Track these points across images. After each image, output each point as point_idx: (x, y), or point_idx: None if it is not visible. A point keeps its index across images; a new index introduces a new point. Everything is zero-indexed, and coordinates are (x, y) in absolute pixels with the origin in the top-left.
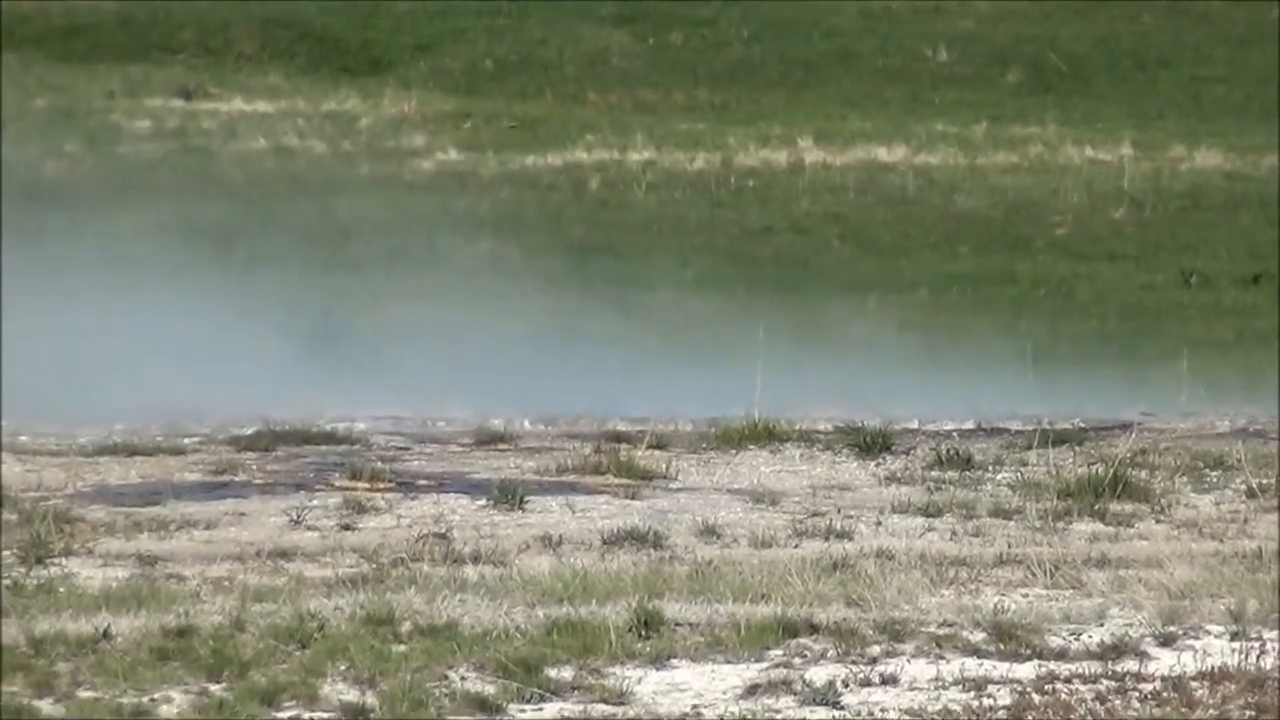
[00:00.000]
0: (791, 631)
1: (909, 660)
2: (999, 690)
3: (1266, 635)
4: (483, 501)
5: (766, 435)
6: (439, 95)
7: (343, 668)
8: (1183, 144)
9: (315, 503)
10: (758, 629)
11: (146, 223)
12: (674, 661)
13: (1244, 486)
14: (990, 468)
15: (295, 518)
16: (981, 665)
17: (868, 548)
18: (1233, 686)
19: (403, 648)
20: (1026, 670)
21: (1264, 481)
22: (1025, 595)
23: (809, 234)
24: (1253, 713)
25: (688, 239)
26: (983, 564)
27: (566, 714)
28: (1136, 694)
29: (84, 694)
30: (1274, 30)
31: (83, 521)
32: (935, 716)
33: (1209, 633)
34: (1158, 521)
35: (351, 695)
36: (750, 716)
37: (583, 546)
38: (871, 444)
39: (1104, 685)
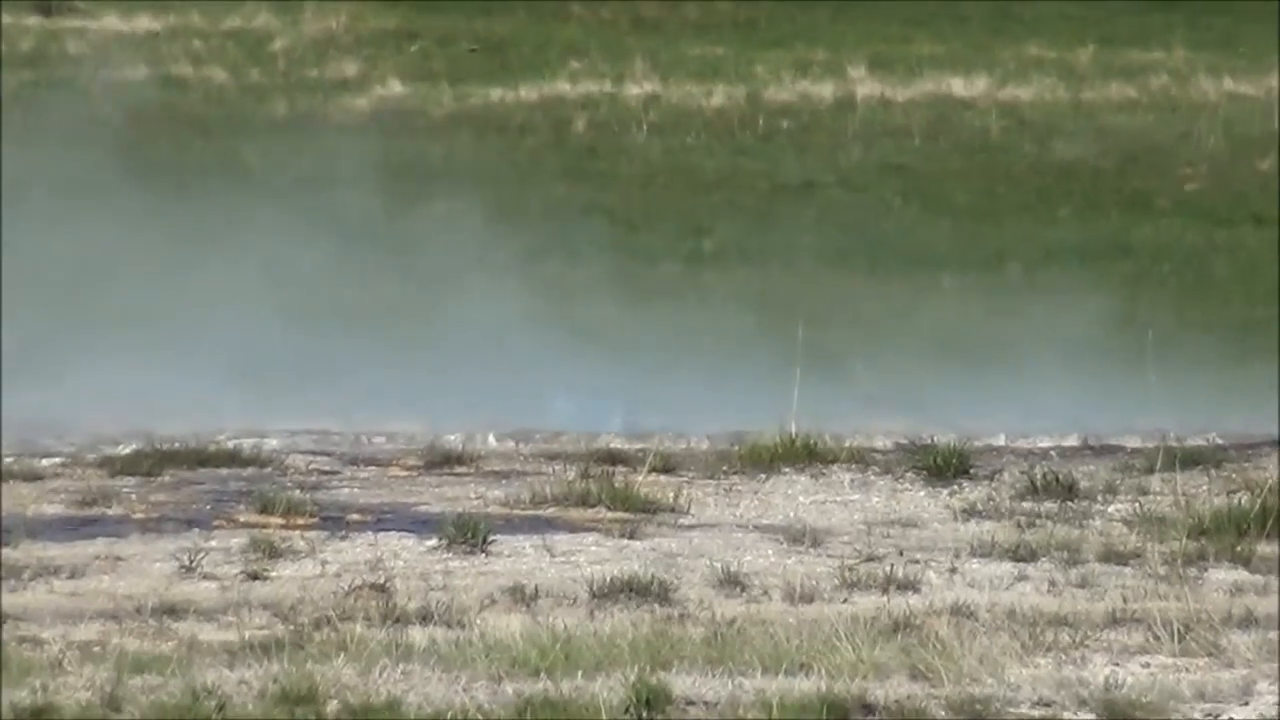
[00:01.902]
0: (839, 712)
1: None
2: None
3: None
4: (433, 542)
5: (806, 455)
6: (376, 9)
7: None
8: None
9: (213, 543)
10: (795, 709)
11: None
12: None
13: None
14: (1100, 498)
15: (187, 563)
16: None
17: (939, 602)
18: None
19: None
20: None
21: None
22: (1146, 665)
23: (862, 191)
24: None
25: (703, 198)
26: (1090, 624)
27: None
28: None
29: None
30: None
31: None
32: None
33: None
34: None
35: None
36: None
37: (565, 601)
38: (944, 466)
39: None
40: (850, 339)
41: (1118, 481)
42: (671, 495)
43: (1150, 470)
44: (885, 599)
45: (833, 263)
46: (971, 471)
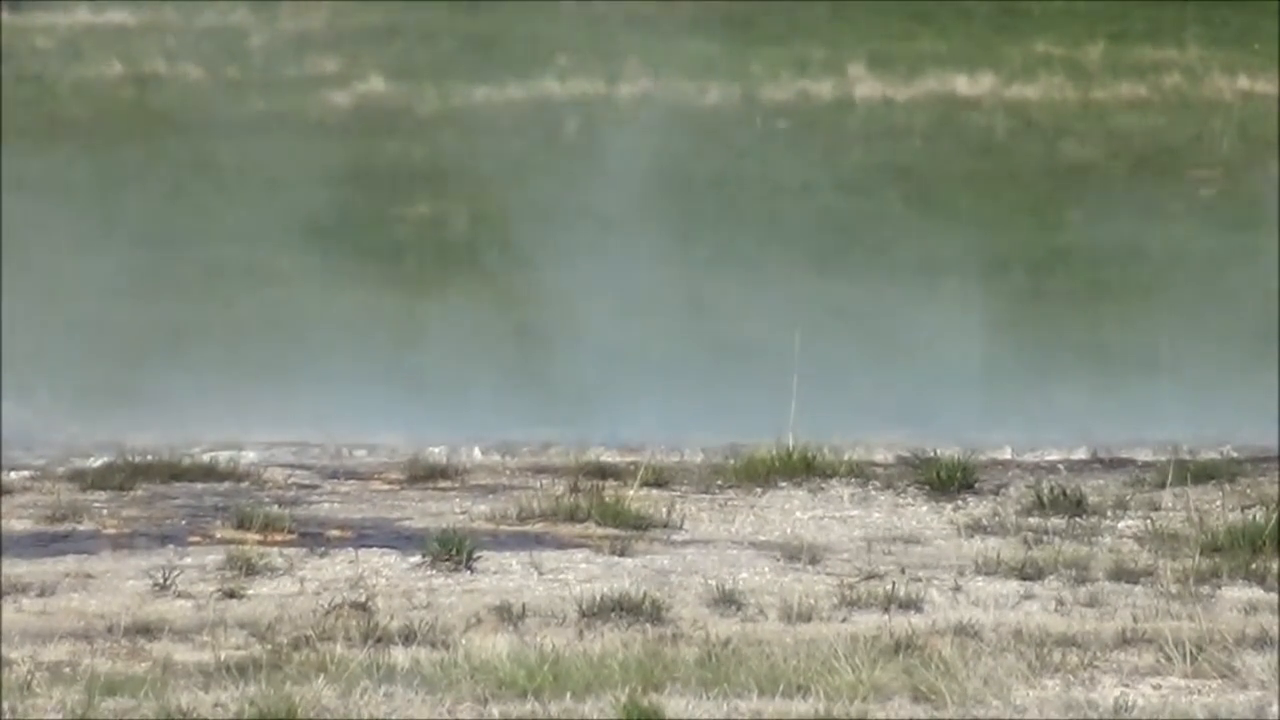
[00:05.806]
0: None
1: None
2: None
3: None
4: (417, 559)
5: (804, 469)
6: (357, 4)
7: None
8: None
9: (188, 560)
10: None
11: None
12: None
13: None
14: (1109, 513)
15: (161, 581)
16: None
17: (942, 622)
18: None
19: None
20: None
21: None
22: (1157, 686)
23: (862, 194)
24: None
25: (698, 200)
26: (1100, 644)
27: None
28: None
29: None
30: None
31: None
32: None
33: None
34: None
35: None
36: None
37: (554, 620)
38: (948, 480)
39: None
40: (850, 348)
41: (1128, 496)
42: (664, 510)
43: (1162, 484)
44: (886, 618)
45: (832, 268)
46: (976, 486)
